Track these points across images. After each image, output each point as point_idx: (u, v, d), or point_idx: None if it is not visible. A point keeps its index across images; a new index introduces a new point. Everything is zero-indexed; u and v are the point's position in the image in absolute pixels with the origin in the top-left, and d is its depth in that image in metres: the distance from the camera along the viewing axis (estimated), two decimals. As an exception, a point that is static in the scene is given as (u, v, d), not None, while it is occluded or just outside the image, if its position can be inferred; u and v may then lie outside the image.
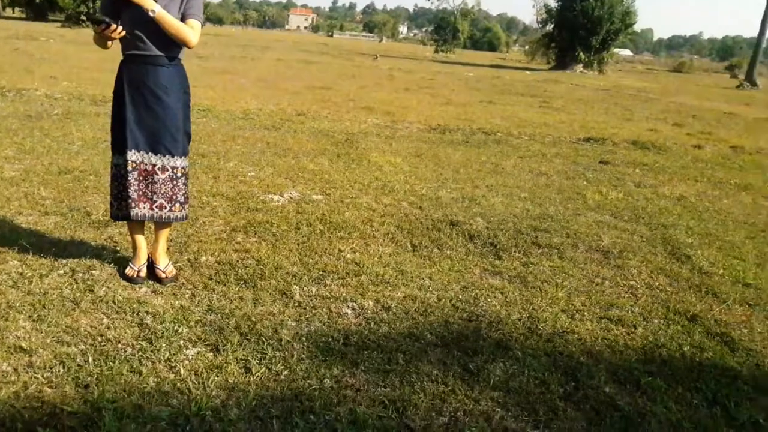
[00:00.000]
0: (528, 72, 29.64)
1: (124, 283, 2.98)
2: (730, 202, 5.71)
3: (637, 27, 43.05)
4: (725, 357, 2.77)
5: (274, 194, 4.73)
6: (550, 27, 39.78)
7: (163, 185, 2.84)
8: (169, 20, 2.64)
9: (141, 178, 2.82)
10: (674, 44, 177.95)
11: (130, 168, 2.79)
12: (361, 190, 5.12)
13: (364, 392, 2.28)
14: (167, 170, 2.84)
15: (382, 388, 2.32)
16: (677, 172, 6.90)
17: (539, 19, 42.34)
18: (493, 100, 14.23)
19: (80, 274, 3.01)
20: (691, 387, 2.48)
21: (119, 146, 2.83)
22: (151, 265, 3.06)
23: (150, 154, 2.80)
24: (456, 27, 54.61)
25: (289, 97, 11.18)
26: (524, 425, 2.18)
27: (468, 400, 2.29)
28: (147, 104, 2.76)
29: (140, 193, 2.83)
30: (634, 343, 2.86)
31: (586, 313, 3.12)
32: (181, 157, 2.87)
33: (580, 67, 36.42)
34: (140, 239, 3.03)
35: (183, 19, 2.71)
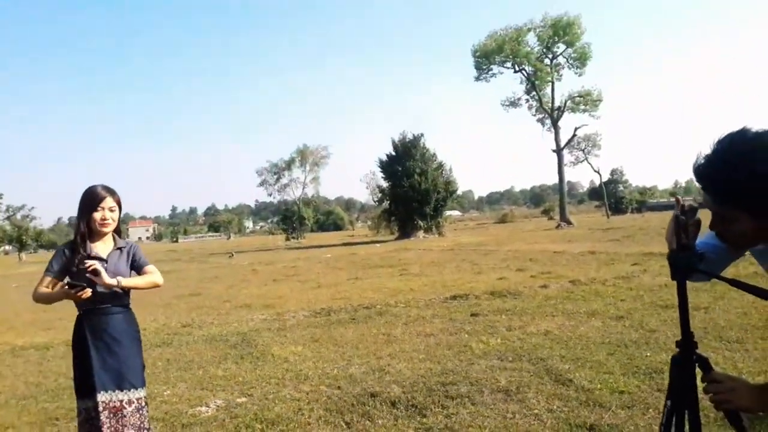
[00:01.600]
0: (378, 245, 31.92)
1: None
2: (586, 328, 6.83)
3: (460, 191, 49.32)
4: (625, 451, 3.46)
5: (200, 406, 4.90)
6: (386, 204, 43.97)
7: (131, 417, 3.09)
8: (134, 282, 3.14)
9: (111, 415, 3.05)
10: (493, 199, 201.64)
11: (101, 408, 3.03)
12: (278, 383, 5.44)
13: None
14: (133, 402, 3.11)
15: None
16: (536, 312, 8.06)
17: (375, 198, 46.72)
18: (358, 275, 15.29)
19: None
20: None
21: (86, 390, 3.08)
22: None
23: (117, 391, 3.08)
24: (301, 215, 57.94)
25: (163, 310, 11.21)
26: None
27: None
28: (110, 349, 3.11)
29: (112, 430, 3.04)
30: (556, 459, 3.46)
31: (511, 445, 3.70)
32: (143, 388, 3.18)
33: (421, 233, 40.16)
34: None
35: (139, 269, 3.21)
